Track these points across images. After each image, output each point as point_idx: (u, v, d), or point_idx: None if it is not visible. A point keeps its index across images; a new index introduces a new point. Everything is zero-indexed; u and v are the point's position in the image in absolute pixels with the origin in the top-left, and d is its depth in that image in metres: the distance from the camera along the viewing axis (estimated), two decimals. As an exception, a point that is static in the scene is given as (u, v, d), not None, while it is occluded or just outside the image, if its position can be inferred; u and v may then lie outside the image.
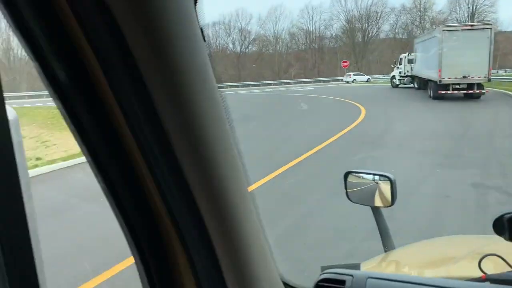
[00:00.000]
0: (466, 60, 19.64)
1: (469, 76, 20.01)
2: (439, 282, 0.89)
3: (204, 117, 0.57)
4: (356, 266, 0.98)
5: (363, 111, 17.48)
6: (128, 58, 0.52)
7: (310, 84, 50.79)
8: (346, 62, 51.42)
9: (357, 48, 71.72)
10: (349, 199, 1.68)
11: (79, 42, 0.52)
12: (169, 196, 0.59)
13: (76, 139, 0.59)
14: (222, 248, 0.62)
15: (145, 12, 0.51)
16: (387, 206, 1.59)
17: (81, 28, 0.51)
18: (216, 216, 0.60)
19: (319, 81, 54.13)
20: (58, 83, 0.55)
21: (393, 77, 32.62)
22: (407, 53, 31.00)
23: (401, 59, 31.41)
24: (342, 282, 0.89)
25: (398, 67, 31.63)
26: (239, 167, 0.64)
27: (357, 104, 20.12)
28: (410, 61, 29.26)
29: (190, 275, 0.63)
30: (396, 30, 74.23)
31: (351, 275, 0.89)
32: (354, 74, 49.26)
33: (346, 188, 1.66)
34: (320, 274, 0.92)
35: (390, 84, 33.39)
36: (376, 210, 1.67)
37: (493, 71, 24.10)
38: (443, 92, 20.50)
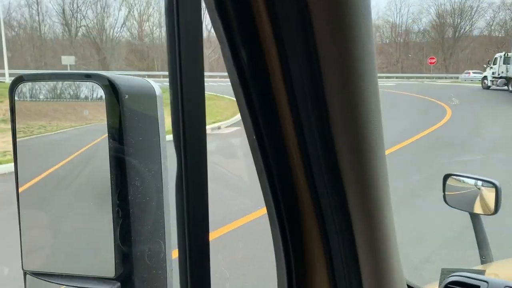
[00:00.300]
0: None
1: None
2: None
3: (368, 113, 0.59)
4: (481, 272, 0.94)
5: (449, 112, 16.53)
6: (308, 46, 0.55)
7: (392, 79, 48.95)
8: (433, 58, 48.83)
9: (446, 44, 67.72)
10: (446, 202, 1.61)
11: (263, 29, 0.56)
12: (319, 186, 0.62)
13: (245, 122, 0.64)
14: (363, 242, 0.63)
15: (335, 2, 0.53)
16: (489, 215, 1.50)
17: (268, 14, 0.55)
18: (362, 210, 0.62)
19: (402, 77, 51.99)
20: (239, 69, 0.58)
21: (485, 77, 30.44)
22: (503, 53, 28.73)
23: (495, 58, 29.18)
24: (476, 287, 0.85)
25: (491, 67, 29.44)
26: (386, 166, 0.64)
27: (442, 104, 19.05)
28: (507, 61, 27.09)
29: (324, 262, 0.65)
30: (492, 27, 68.99)
31: (486, 281, 0.85)
32: (473, 72, 41.47)
33: (444, 190, 1.59)
34: (448, 276, 0.89)
35: (480, 85, 31.23)
36: (475, 217, 1.58)
37: None
38: (543, 97, 18.78)
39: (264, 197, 0.66)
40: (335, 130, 0.58)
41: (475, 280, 0.86)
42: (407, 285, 0.78)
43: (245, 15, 0.56)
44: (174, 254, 0.64)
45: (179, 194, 0.58)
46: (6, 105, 13.49)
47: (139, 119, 0.58)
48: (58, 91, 0.60)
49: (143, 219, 0.59)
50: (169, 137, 0.60)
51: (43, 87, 0.60)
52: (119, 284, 0.57)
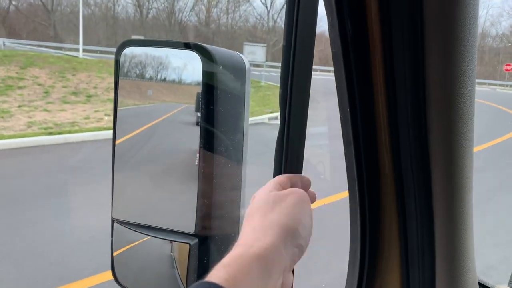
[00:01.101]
0: None
1: None
2: None
3: (465, 119, 0.61)
4: None
5: (521, 123, 15.51)
6: (416, 42, 0.58)
7: (461, 84, 46.41)
8: (509, 65, 45.88)
9: (525, 51, 63.29)
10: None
11: (372, 35, 0.60)
12: (405, 173, 0.64)
13: (343, 114, 0.67)
14: (442, 234, 0.65)
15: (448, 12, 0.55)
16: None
17: (379, 20, 0.59)
18: (445, 205, 0.63)
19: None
20: (346, 65, 0.63)
21: None
22: None
23: None
24: None
25: None
26: (472, 166, 0.65)
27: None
28: None
29: (399, 246, 0.67)
30: None
31: None
32: None
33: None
34: None
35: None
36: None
37: None
38: None
39: (348, 176, 0.69)
40: (430, 128, 0.60)
41: None
42: (479, 283, 0.78)
43: (358, 12, 0.60)
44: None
45: (278, 152, 0.62)
46: (78, 78, 14.24)
47: (229, 89, 0.62)
48: (125, 70, 0.64)
49: (223, 184, 0.63)
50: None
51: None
52: (197, 240, 0.61)
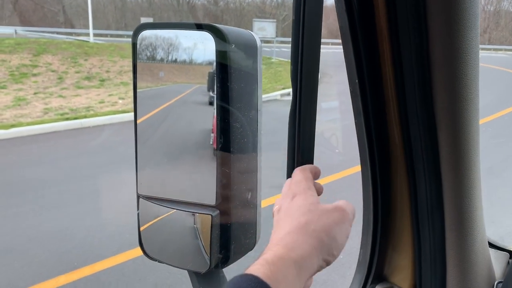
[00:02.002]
0: None
1: None
2: None
3: (470, 84, 0.63)
4: None
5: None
6: (421, 43, 0.61)
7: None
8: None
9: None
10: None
11: (382, 40, 0.63)
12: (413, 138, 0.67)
13: (355, 104, 0.72)
14: (450, 194, 0.68)
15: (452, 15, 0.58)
16: None
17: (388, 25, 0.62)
18: (452, 164, 0.67)
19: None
20: (358, 63, 0.67)
21: None
22: None
23: None
24: None
25: None
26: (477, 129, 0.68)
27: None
28: None
29: (409, 207, 0.71)
30: None
31: None
32: None
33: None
34: None
35: None
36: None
37: None
38: None
39: (359, 145, 0.72)
40: (436, 95, 0.63)
41: None
42: (489, 242, 0.80)
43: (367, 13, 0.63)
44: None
45: (291, 129, 0.66)
46: (90, 63, 14.31)
47: (242, 67, 0.64)
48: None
49: (241, 158, 0.66)
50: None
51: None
52: (218, 211, 0.65)
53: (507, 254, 0.87)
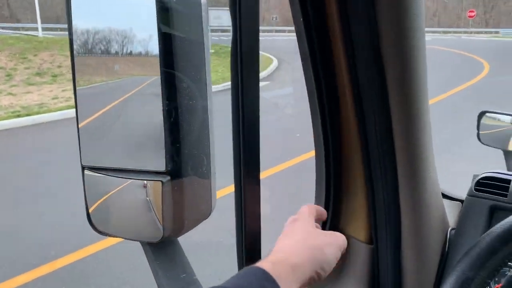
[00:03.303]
0: None
1: None
2: None
3: (417, 74, 0.66)
4: None
5: (487, 67, 15.88)
6: (376, 57, 0.63)
7: (428, 34, 47.05)
8: (472, 11, 46.38)
9: (487, -3, 64.02)
10: (479, 140, 1.60)
11: (335, 40, 0.64)
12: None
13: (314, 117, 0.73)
14: (402, 148, 0.70)
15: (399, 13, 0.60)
16: (524, 152, 1.49)
17: (340, 24, 0.63)
18: (403, 121, 0.68)
19: (439, 32, 49.87)
20: (314, 65, 0.69)
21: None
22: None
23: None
24: (507, 182, 0.88)
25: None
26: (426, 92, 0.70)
27: (479, 59, 18.29)
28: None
29: (361, 162, 0.71)
30: (540, -22, 64.31)
31: None
32: None
33: (478, 129, 1.58)
34: (480, 174, 0.92)
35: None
36: (508, 155, 1.58)
37: None
38: None
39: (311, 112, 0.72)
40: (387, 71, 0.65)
41: (507, 175, 0.89)
42: (445, 194, 0.82)
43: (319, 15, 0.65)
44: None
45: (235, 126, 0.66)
46: (40, 58, 13.73)
47: (186, 24, 0.61)
48: (90, 46, 0.63)
49: (189, 120, 0.63)
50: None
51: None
52: (169, 177, 0.62)
53: (459, 203, 0.90)
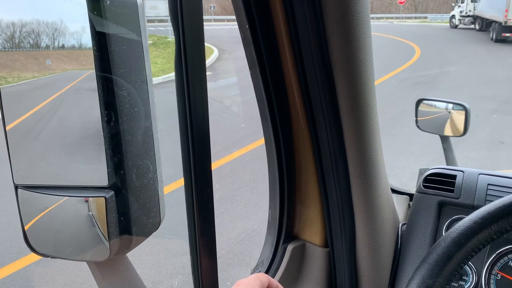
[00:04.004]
0: (538, 0, 18.08)
1: (539, 18, 18.51)
2: None
3: (366, 80, 0.66)
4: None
5: (418, 51, 16.68)
6: (324, 59, 0.63)
7: (362, 20, 48.33)
8: (403, -2, 48.36)
9: (415, -17, 67.00)
10: (418, 127, 1.67)
11: (282, 42, 0.64)
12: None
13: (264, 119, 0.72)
14: (352, 146, 0.69)
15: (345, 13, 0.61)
16: (458, 136, 1.57)
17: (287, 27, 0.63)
18: (352, 123, 0.69)
19: (372, 18, 51.61)
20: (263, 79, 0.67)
21: (453, 16, 30.52)
22: (471, -10, 28.71)
23: (464, -3, 29.18)
24: (453, 177, 0.91)
25: (459, 6, 29.47)
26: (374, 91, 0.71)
27: (411, 44, 19.16)
28: (474, 0, 27.15)
29: (313, 158, 0.70)
30: (462, -35, 68.25)
31: (462, 171, 0.92)
32: None
33: (416, 116, 1.65)
34: (428, 169, 0.95)
35: (448, 24, 31.36)
36: (445, 139, 1.66)
37: None
38: (508, 34, 19.13)
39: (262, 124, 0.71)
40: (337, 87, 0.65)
41: (452, 171, 0.93)
42: (393, 189, 0.84)
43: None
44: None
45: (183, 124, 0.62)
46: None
47: (122, 27, 0.57)
48: (17, 40, 0.58)
49: (132, 129, 0.60)
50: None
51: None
52: (112, 192, 0.58)
53: (407, 197, 0.93)
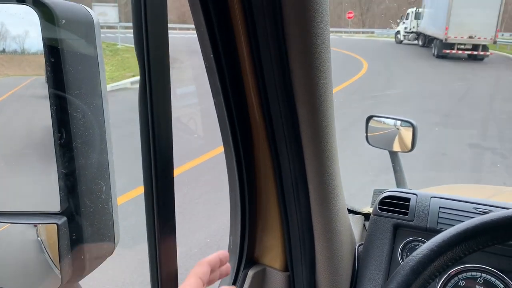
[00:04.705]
0: (474, 20, 19.28)
1: (475, 36, 19.72)
2: (502, 204, 0.94)
3: (326, 109, 0.67)
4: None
5: (365, 65, 17.30)
6: (281, 55, 0.63)
7: (313, 33, 49.53)
8: (351, 13, 49.96)
9: (363, 0, 69.78)
10: (368, 142, 1.72)
11: (239, 39, 0.64)
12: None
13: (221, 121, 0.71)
14: (312, 171, 0.70)
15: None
16: (406, 152, 1.64)
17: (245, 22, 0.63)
18: (312, 145, 0.69)
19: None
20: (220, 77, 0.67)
21: (398, 32, 31.94)
22: (415, 8, 30.19)
23: (408, 14, 30.59)
24: (407, 200, 0.94)
25: (404, 22, 30.91)
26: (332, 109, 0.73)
27: (359, 58, 19.86)
28: (417, 17, 28.57)
29: (274, 186, 0.70)
30: (405, -16, 71.70)
31: (415, 194, 0.95)
32: None
33: (366, 132, 1.70)
34: (383, 192, 0.98)
35: (394, 40, 32.79)
36: (393, 154, 1.72)
37: (499, 34, 23.68)
38: (448, 51, 20.27)
39: (220, 124, 0.71)
40: (292, 70, 0.64)
41: (406, 194, 0.97)
42: (348, 209, 0.86)
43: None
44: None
45: (145, 130, 0.61)
46: None
47: (77, 47, 0.55)
48: None
49: (87, 152, 0.58)
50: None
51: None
52: (65, 218, 0.56)
53: (362, 216, 0.95)
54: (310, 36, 0.61)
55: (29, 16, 0.51)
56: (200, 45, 0.65)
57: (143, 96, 0.61)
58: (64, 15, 0.52)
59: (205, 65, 0.66)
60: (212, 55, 0.63)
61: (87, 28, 0.57)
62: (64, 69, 0.52)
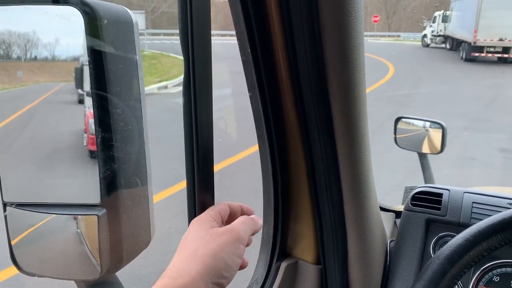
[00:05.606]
0: (504, 22, 18.79)
1: (505, 39, 19.22)
2: None
3: (360, 107, 0.69)
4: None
5: (392, 69, 17.08)
6: (317, 60, 0.65)
7: (337, 38, 49.21)
8: (377, 17, 49.50)
9: (388, 3, 68.95)
10: (397, 144, 1.71)
11: (277, 44, 0.66)
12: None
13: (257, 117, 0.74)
14: (346, 166, 0.72)
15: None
16: (435, 153, 1.62)
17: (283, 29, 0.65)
18: (346, 140, 0.70)
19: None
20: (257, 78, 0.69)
21: (425, 35, 31.44)
22: (442, 11, 29.67)
23: (435, 17, 30.09)
24: (439, 195, 0.94)
25: (431, 26, 30.41)
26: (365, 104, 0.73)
27: (385, 61, 19.64)
28: (445, 20, 28.05)
29: (306, 179, 0.71)
30: (432, -14, 70.61)
31: (448, 190, 0.95)
32: None
33: (395, 133, 1.69)
34: (415, 188, 0.97)
35: (420, 43, 32.30)
36: (422, 156, 1.70)
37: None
38: (477, 54, 19.81)
39: (255, 120, 0.73)
40: (331, 93, 0.67)
41: (439, 189, 0.96)
42: (380, 206, 0.86)
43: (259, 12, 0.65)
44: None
45: (188, 129, 0.63)
46: None
47: (118, 45, 0.57)
48: None
49: (126, 147, 0.60)
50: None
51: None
52: (105, 210, 0.58)
53: (393, 214, 0.95)
54: (345, 27, 0.61)
55: (74, 17, 0.54)
56: (237, 39, 0.67)
57: (187, 98, 0.64)
58: (106, 15, 0.55)
59: (242, 59, 0.68)
60: (249, 49, 0.64)
61: (126, 28, 0.59)
62: (106, 67, 0.55)
